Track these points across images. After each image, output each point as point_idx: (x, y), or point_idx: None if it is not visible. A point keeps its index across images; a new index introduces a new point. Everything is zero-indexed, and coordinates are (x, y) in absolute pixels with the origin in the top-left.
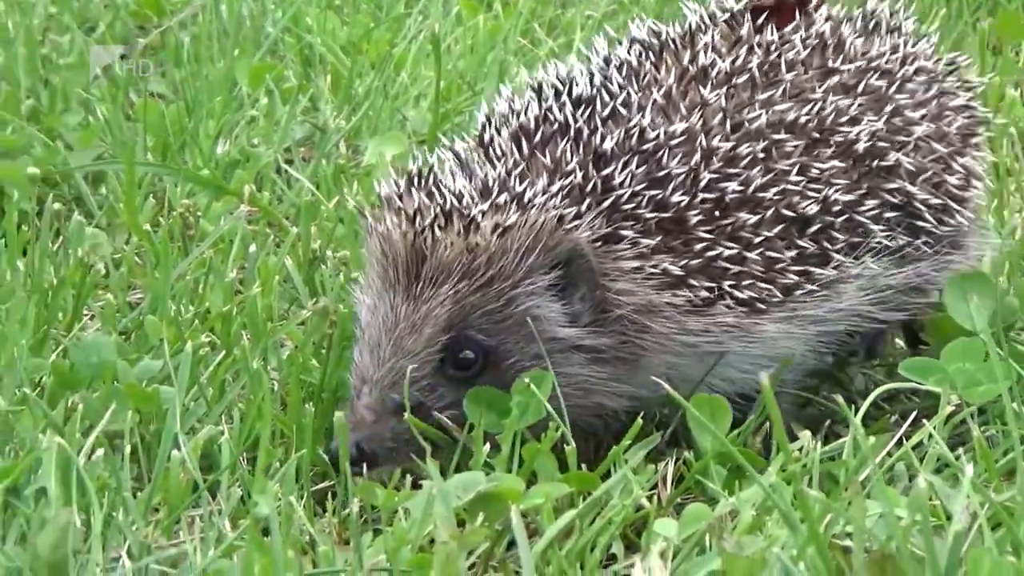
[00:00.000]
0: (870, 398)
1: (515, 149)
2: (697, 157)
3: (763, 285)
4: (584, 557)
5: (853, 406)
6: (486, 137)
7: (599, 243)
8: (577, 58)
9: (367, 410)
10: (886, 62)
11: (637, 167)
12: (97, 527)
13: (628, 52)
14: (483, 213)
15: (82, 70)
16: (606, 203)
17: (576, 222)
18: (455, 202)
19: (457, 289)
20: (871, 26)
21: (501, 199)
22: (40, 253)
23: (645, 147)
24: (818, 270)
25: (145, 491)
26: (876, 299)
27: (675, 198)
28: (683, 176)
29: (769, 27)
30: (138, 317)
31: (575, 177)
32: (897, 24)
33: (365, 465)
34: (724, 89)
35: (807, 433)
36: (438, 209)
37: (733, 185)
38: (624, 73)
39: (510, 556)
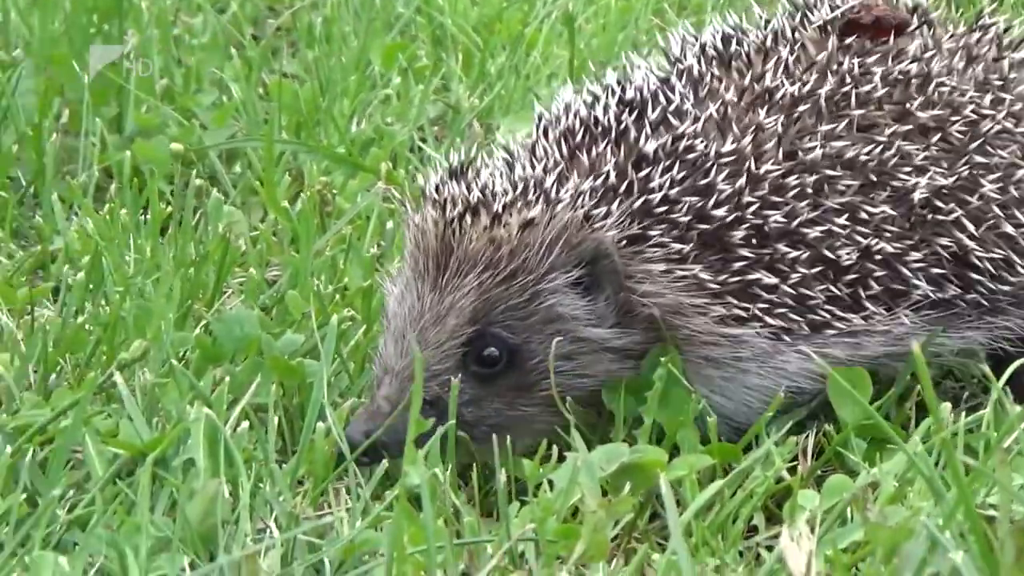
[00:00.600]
0: (1012, 366)
1: (557, 149)
2: (743, 180)
3: (793, 317)
4: (726, 528)
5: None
6: (534, 137)
7: (626, 243)
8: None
9: (385, 401)
10: (972, 111)
11: (678, 173)
12: (245, 498)
13: (699, 58)
14: (508, 207)
15: (215, 51)
16: (638, 204)
17: (603, 221)
18: (485, 196)
19: (481, 281)
20: (968, 58)
21: (529, 195)
22: (183, 229)
23: (690, 157)
24: (848, 315)
25: (291, 463)
26: (902, 354)
27: (717, 212)
28: (728, 193)
29: (848, 56)
30: (277, 293)
31: (610, 177)
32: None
33: (371, 455)
34: (784, 115)
35: (947, 405)
36: (467, 201)
37: (777, 216)
38: (684, 81)
39: (652, 528)
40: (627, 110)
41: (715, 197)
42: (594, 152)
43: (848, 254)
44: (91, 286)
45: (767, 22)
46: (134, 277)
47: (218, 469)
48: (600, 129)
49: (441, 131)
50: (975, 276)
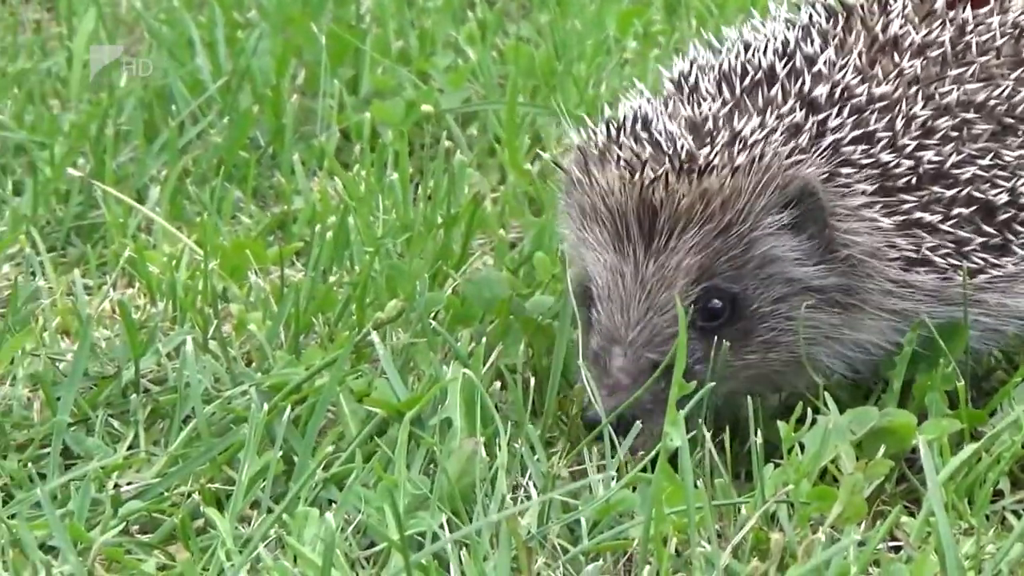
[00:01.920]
0: None
1: (725, 91)
2: (900, 122)
3: (954, 260)
4: (973, 492)
5: None
6: (688, 83)
7: (826, 180)
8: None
9: (622, 373)
10: None
11: (848, 117)
12: (502, 457)
13: (812, 17)
14: (711, 155)
15: (447, 13)
16: (825, 144)
17: (802, 157)
18: (676, 148)
19: (701, 237)
20: None
21: (721, 138)
22: (436, 190)
23: (853, 102)
24: (1000, 260)
25: (541, 423)
26: None
27: (883, 156)
28: (888, 138)
29: (962, 6)
30: (520, 255)
31: (791, 117)
32: None
33: (623, 429)
34: (919, 60)
35: None
36: (663, 157)
37: (929, 155)
38: (814, 36)
39: (899, 491)
40: (777, 58)
41: (880, 142)
42: (760, 96)
43: (997, 195)
44: (338, 246)
45: None
46: (383, 238)
47: (475, 428)
48: (760, 75)
49: None
50: None
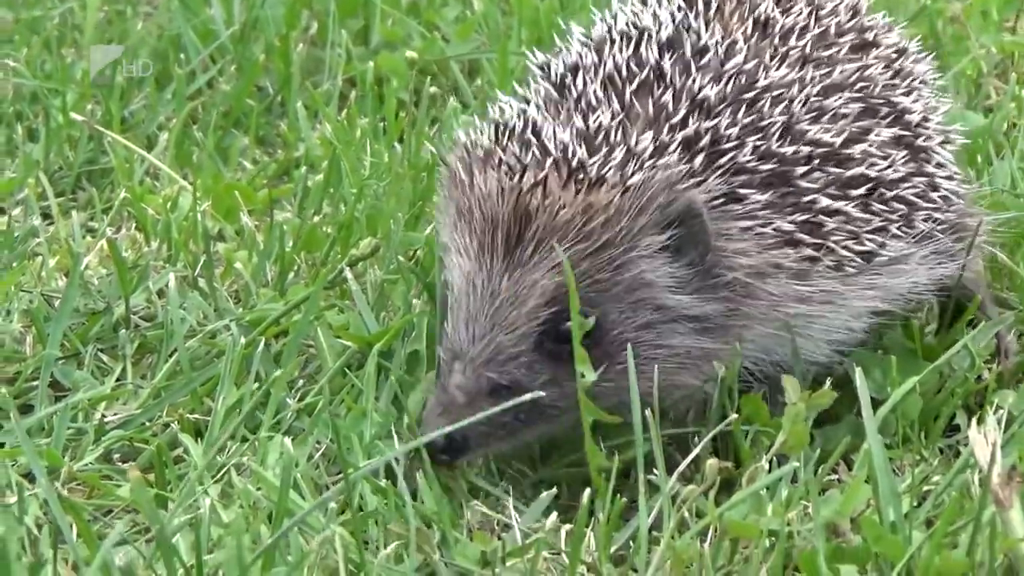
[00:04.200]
0: None
1: (607, 96)
2: (795, 106)
3: (854, 247)
4: (928, 425)
5: None
6: (576, 84)
7: (717, 200)
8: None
9: (458, 391)
10: (899, 55)
11: (741, 115)
12: None
13: (679, 6)
14: (602, 169)
15: None
16: (720, 157)
17: (694, 178)
18: (565, 155)
19: (568, 255)
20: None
21: (613, 152)
22: (417, 133)
23: (746, 95)
24: (888, 241)
25: None
26: (926, 284)
27: (778, 148)
28: (781, 125)
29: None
30: None
31: (684, 128)
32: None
33: (454, 453)
34: (795, 42)
35: None
36: (549, 164)
37: (825, 136)
38: (693, 22)
39: None
40: (664, 51)
41: (775, 131)
42: (651, 101)
43: (884, 169)
44: (330, 189)
45: None
46: (368, 179)
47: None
48: (648, 73)
49: None
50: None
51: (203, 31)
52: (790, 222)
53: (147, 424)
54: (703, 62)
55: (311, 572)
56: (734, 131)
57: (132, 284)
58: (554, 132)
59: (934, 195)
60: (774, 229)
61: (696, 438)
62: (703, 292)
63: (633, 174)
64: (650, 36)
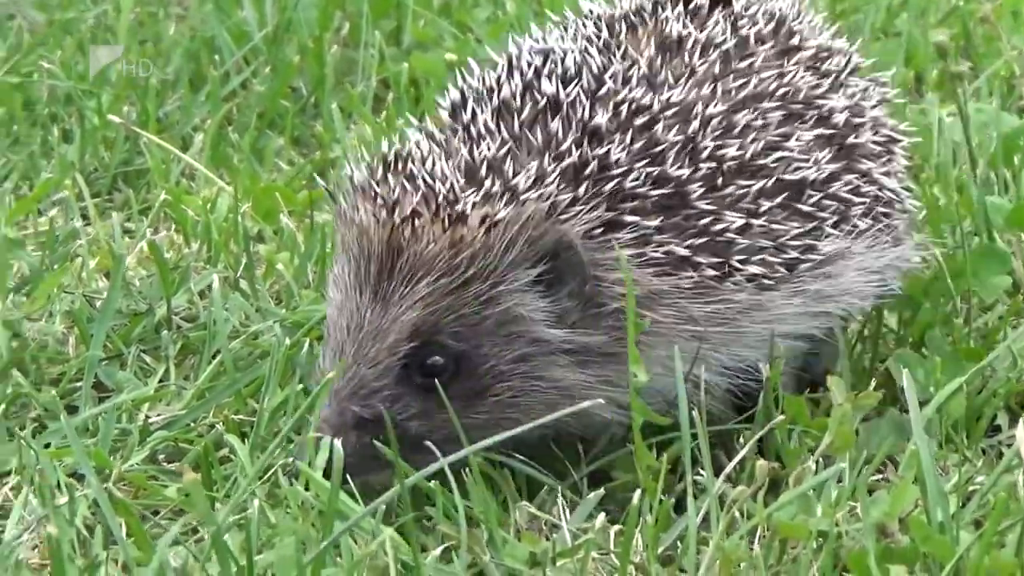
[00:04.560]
0: None
1: (501, 128)
2: (695, 125)
3: (770, 259)
4: (970, 426)
5: None
6: (466, 115)
7: (597, 230)
8: (546, 28)
9: (325, 424)
10: (828, 55)
11: (631, 141)
12: None
13: (596, 25)
14: (470, 203)
15: None
16: (605, 185)
17: (573, 209)
18: (439, 189)
19: (432, 290)
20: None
21: (492, 187)
22: None
23: (638, 120)
24: (819, 243)
25: None
26: (871, 279)
27: (673, 171)
28: (679, 146)
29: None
30: None
31: (570, 157)
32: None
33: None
34: (708, 57)
35: None
36: (419, 197)
37: (731, 151)
38: (599, 45)
39: None
40: (564, 82)
41: (669, 156)
42: (540, 132)
43: (806, 171)
44: None
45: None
46: None
47: None
48: (545, 102)
49: None
50: (880, 207)
51: (236, 33)
52: (687, 245)
53: (192, 425)
54: (601, 91)
55: (360, 572)
56: (623, 157)
57: (174, 285)
58: (439, 165)
59: (870, 188)
60: (665, 253)
61: (740, 439)
62: (585, 324)
63: (502, 208)
64: (554, 64)
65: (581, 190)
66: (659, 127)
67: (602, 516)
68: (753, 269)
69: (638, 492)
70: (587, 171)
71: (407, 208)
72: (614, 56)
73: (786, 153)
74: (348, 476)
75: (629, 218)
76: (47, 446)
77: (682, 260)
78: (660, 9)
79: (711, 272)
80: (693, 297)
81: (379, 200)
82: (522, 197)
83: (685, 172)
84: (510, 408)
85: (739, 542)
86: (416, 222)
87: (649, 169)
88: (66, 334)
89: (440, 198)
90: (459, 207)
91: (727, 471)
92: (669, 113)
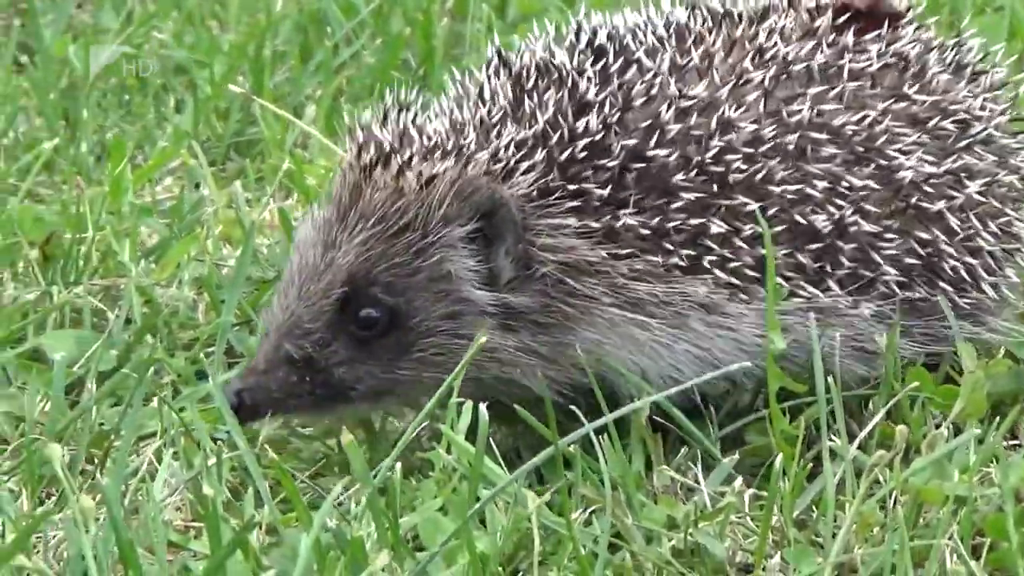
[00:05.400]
0: None
1: (503, 92)
2: (713, 126)
3: (751, 272)
4: None
5: None
6: (488, 75)
7: (537, 194)
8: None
9: (261, 357)
10: (964, 109)
11: (616, 115)
12: None
13: (690, 13)
14: (415, 157)
15: None
16: (563, 152)
17: (520, 173)
18: (402, 142)
19: (369, 236)
20: (957, 65)
21: (447, 145)
22: None
23: (639, 102)
24: (812, 289)
25: None
26: (858, 348)
27: (658, 152)
28: (677, 132)
29: (848, 30)
30: None
31: (541, 125)
32: (984, 70)
33: (245, 414)
34: (773, 72)
35: None
36: (380, 147)
37: (740, 164)
38: (670, 32)
39: None
40: (591, 56)
41: (658, 136)
42: (536, 98)
43: (824, 222)
44: None
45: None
46: None
47: None
48: (553, 74)
49: None
50: (941, 282)
51: (344, 6)
52: (654, 227)
53: None
54: (623, 75)
55: (505, 536)
56: (600, 128)
57: None
58: (428, 121)
59: (920, 259)
60: (623, 225)
61: (867, 406)
62: (515, 287)
63: (443, 164)
64: (607, 44)
65: (538, 155)
66: (665, 109)
67: (739, 480)
68: (726, 277)
69: (779, 457)
70: (553, 139)
71: (365, 158)
72: (673, 44)
73: (811, 191)
74: (266, 412)
75: (585, 185)
76: (181, 410)
77: (646, 240)
78: (776, 15)
79: (676, 260)
80: (640, 278)
81: (351, 148)
82: (468, 156)
83: (672, 157)
84: (435, 367)
85: (874, 506)
86: (372, 172)
87: (630, 141)
88: (196, 301)
89: (388, 149)
90: (403, 159)
91: (861, 437)
92: (687, 104)
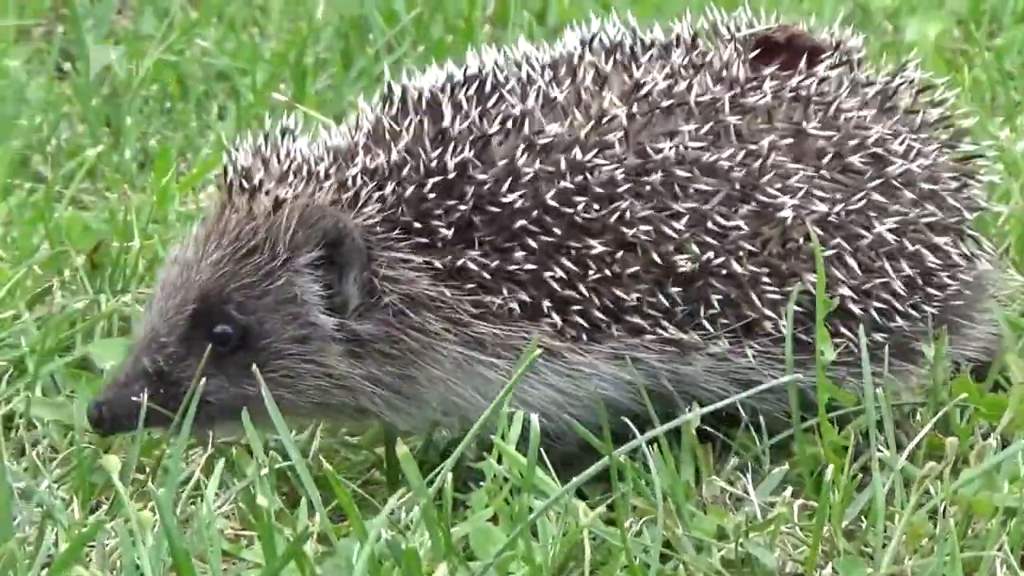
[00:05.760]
0: None
1: (369, 121)
2: (563, 166)
3: (599, 316)
4: None
5: None
6: (392, 108)
7: (382, 227)
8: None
9: (121, 372)
10: (878, 145)
11: (473, 153)
12: None
13: (586, 45)
14: (267, 182)
15: None
16: (412, 187)
17: (370, 204)
18: (253, 169)
19: (223, 256)
20: (883, 101)
21: (302, 171)
22: None
23: (496, 139)
24: (671, 328)
25: None
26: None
27: (509, 196)
28: (529, 176)
29: (744, 68)
30: None
31: (396, 156)
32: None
33: (105, 427)
34: (644, 108)
35: None
36: (241, 172)
37: (593, 205)
38: (550, 64)
39: None
40: (466, 87)
41: (511, 180)
42: (397, 127)
43: (680, 262)
44: None
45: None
46: None
47: None
48: (422, 104)
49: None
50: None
51: (385, 13)
52: (494, 269)
53: None
54: (487, 96)
55: (555, 545)
56: (456, 166)
57: None
58: (301, 146)
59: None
60: (463, 265)
61: (914, 417)
62: (360, 315)
63: (288, 191)
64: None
65: (388, 188)
66: (522, 150)
67: (788, 491)
68: (573, 319)
69: (830, 468)
70: (405, 171)
71: (227, 180)
72: (554, 76)
73: (670, 232)
74: (124, 426)
75: (432, 221)
76: None
77: (485, 281)
78: (674, 48)
79: (513, 306)
80: (481, 318)
81: (226, 168)
82: (318, 183)
83: (520, 201)
84: (283, 387)
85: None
86: (231, 194)
87: (484, 180)
88: None
89: (248, 172)
90: (257, 182)
91: (910, 448)
92: (544, 141)
